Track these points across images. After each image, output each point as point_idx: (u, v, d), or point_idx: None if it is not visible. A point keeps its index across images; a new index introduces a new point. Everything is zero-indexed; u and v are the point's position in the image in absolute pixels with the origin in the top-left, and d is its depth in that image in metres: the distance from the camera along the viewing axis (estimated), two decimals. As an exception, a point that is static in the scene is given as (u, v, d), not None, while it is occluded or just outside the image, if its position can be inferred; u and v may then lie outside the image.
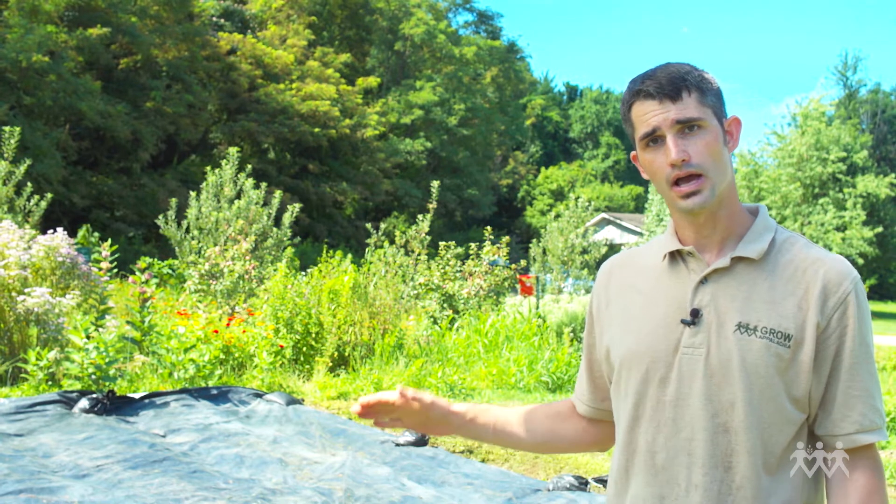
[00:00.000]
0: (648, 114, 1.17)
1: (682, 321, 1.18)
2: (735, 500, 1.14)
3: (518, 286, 11.22)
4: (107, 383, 5.71)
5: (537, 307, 10.05)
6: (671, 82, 1.16)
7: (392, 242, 9.92)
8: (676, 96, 1.15)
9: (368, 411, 1.32)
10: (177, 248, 10.67)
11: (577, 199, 12.98)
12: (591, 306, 1.36)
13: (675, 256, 1.24)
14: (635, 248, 1.36)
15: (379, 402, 1.31)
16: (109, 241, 8.04)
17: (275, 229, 10.61)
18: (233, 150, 11.34)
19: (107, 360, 5.71)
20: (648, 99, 1.17)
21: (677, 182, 1.17)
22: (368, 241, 10.10)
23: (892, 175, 27.26)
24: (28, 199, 9.75)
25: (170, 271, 13.57)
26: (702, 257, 1.21)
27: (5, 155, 9.73)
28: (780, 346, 1.14)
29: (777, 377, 1.14)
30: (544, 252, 12.53)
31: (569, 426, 1.41)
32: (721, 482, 1.15)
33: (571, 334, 8.53)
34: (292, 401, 5.67)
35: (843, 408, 1.16)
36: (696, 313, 1.18)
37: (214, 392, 5.68)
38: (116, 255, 7.61)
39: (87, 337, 5.81)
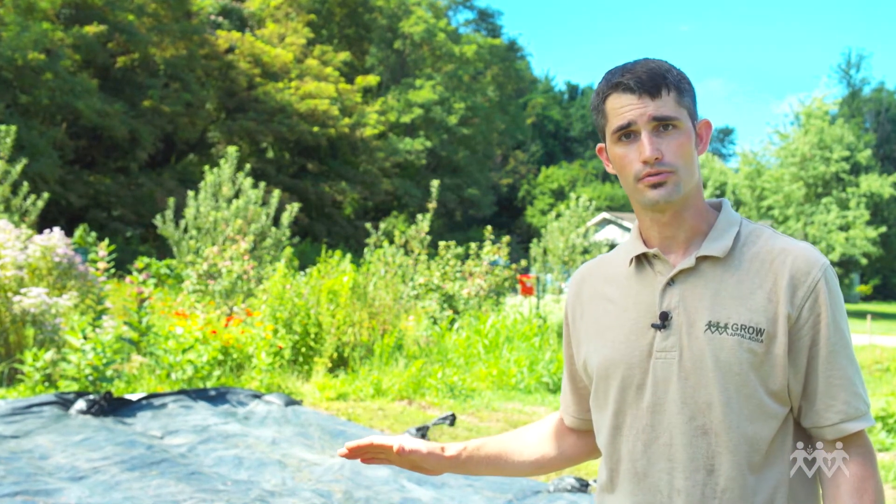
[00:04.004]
0: (625, 107, 1.15)
1: (653, 325, 1.17)
2: (721, 502, 1.12)
3: (518, 286, 11.19)
4: (104, 384, 5.67)
5: (538, 307, 10.02)
6: (652, 78, 1.14)
7: (392, 242, 9.88)
8: (656, 93, 1.14)
9: (355, 453, 1.30)
10: (175, 248, 10.63)
11: (577, 198, 12.94)
12: (567, 317, 1.34)
13: (641, 260, 1.22)
14: (604, 255, 1.34)
15: (371, 445, 1.30)
16: (107, 240, 8.00)
17: (273, 229, 10.57)
18: (231, 149, 11.30)
19: (104, 360, 5.66)
20: (627, 92, 1.14)
21: (646, 177, 1.16)
22: (368, 240, 10.06)
23: (896, 174, 27.24)
24: (24, 199, 9.71)
25: (168, 271, 13.53)
26: (667, 259, 1.19)
27: (1, 154, 9.68)
28: (753, 341, 1.12)
29: (752, 373, 1.12)
30: (545, 252, 12.49)
31: (562, 443, 1.40)
32: (704, 485, 1.13)
33: (572, 334, 8.47)
34: (291, 402, 5.63)
35: (825, 397, 1.14)
36: (665, 316, 1.16)
37: (212, 393, 5.64)
38: (114, 255, 7.57)
39: (84, 337, 5.77)
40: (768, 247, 1.17)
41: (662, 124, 1.14)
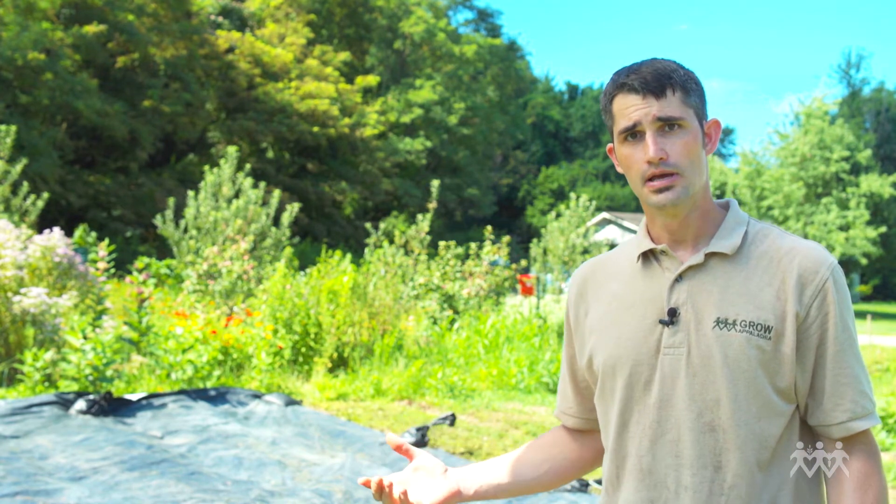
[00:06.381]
0: (630, 108, 1.15)
1: (661, 321, 1.17)
2: (728, 499, 1.12)
3: (518, 286, 11.19)
4: (104, 384, 5.66)
5: (538, 307, 10.02)
6: (656, 79, 1.14)
7: (392, 242, 9.88)
8: (660, 93, 1.14)
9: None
10: (175, 248, 10.62)
11: (577, 198, 12.93)
12: (568, 317, 1.33)
13: (649, 256, 1.22)
14: (606, 252, 1.33)
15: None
16: (107, 240, 8.00)
17: (273, 229, 10.57)
18: (231, 149, 11.30)
19: (104, 360, 5.66)
20: (632, 93, 1.15)
21: (651, 178, 1.15)
22: (368, 240, 10.07)
23: (896, 174, 27.22)
24: (24, 199, 9.71)
25: (168, 271, 13.52)
26: (675, 255, 1.19)
27: (1, 154, 9.68)
28: (761, 338, 1.12)
29: (760, 370, 1.12)
30: (545, 252, 12.49)
31: (566, 449, 1.36)
32: (712, 482, 1.13)
33: (572, 334, 8.48)
34: (291, 402, 5.63)
35: (833, 396, 1.14)
36: (673, 312, 1.16)
37: (212, 393, 5.64)
38: (114, 255, 7.57)
39: (84, 337, 5.77)
40: (776, 245, 1.18)
41: (668, 124, 1.14)
